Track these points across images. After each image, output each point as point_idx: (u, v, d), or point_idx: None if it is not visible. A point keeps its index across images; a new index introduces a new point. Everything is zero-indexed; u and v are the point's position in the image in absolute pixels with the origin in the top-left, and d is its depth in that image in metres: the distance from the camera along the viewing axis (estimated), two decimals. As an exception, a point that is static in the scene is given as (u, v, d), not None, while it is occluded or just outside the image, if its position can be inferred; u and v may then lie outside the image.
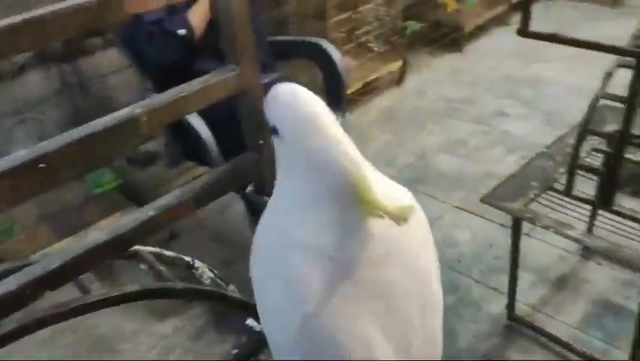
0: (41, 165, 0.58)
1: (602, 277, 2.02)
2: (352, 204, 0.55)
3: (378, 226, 0.56)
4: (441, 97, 3.34)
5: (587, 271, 2.06)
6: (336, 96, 2.12)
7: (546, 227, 1.51)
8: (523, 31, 1.38)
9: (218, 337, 1.94)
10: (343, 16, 3.02)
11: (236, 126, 1.84)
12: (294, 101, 0.58)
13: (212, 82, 0.70)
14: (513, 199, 1.62)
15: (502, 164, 2.62)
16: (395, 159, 2.80)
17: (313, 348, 0.58)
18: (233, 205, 2.31)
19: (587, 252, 2.11)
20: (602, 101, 1.60)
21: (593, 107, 1.53)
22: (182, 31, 1.78)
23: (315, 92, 0.61)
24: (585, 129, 1.54)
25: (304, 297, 0.56)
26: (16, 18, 0.56)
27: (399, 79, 3.44)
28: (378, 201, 0.53)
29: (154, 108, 0.65)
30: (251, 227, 1.82)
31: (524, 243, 1.78)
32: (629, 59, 1.51)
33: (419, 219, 0.62)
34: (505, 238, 1.90)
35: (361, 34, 3.20)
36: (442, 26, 3.79)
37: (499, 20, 4.09)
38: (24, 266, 0.65)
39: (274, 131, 0.61)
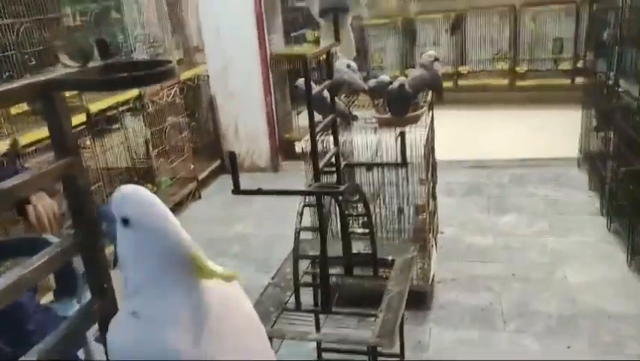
0: None
1: (339, 376, 2.45)
2: (192, 271, 0.78)
3: (213, 286, 0.81)
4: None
5: (327, 375, 2.47)
6: (71, 285, 2.16)
7: (292, 338, 1.86)
8: (237, 191, 1.80)
9: None
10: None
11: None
12: (145, 197, 0.80)
13: (47, 170, 0.82)
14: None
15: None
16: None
17: None
18: None
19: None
20: (301, 237, 2.11)
21: (297, 238, 2.02)
22: None
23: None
24: (296, 256, 2.01)
25: (177, 348, 0.75)
26: None
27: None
28: (212, 268, 0.78)
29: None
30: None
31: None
32: (309, 200, 2.09)
33: (235, 283, 0.88)
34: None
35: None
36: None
37: (193, 194, 4.65)
38: None
39: (125, 222, 0.79)
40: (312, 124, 1.84)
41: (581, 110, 4.35)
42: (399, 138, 2.09)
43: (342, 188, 1.76)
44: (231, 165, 1.77)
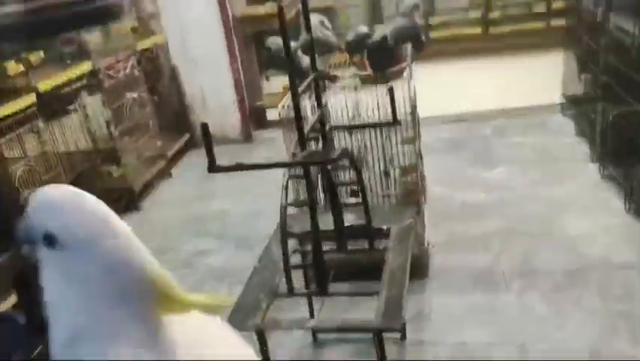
0: None
1: (339, 354, 2.28)
2: (156, 304, 0.54)
3: (184, 321, 0.56)
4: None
5: (325, 355, 2.30)
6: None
7: (288, 328, 1.66)
8: (213, 168, 1.57)
9: None
10: None
11: None
12: (76, 199, 0.55)
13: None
14: (251, 317, 1.73)
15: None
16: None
17: None
18: None
19: (317, 344, 2.35)
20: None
21: (283, 215, 1.80)
22: None
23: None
24: (285, 235, 1.79)
25: None
26: None
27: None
28: (186, 298, 0.54)
29: None
30: None
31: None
32: (294, 172, 1.86)
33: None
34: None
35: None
36: (113, 192, 3.83)
37: (163, 173, 4.36)
38: None
39: (49, 240, 0.54)
40: (294, 85, 1.59)
41: (562, 53, 4.17)
42: (388, 95, 1.87)
43: (334, 155, 1.54)
44: (205, 139, 1.52)
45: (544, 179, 3.39)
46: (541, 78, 4.82)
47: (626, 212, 2.87)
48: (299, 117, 1.60)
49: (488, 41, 6.09)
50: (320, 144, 2.00)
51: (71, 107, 3.70)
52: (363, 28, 2.65)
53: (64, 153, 3.66)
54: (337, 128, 2.20)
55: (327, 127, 1.89)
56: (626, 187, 2.89)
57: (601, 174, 3.26)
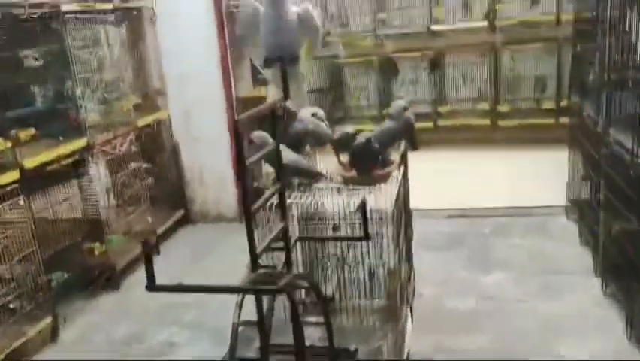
0: None
1: None
2: None
3: None
4: (106, 341, 3.17)
5: None
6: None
7: None
8: (152, 286, 1.44)
9: None
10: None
11: None
12: None
13: None
14: None
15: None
16: None
17: None
18: None
19: None
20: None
21: (234, 336, 1.65)
22: None
23: None
24: (232, 358, 1.63)
25: None
26: None
27: (52, 335, 3.14)
28: None
29: None
30: None
31: None
32: (252, 285, 1.72)
33: None
34: None
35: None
36: (94, 269, 3.71)
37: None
38: None
39: None
40: (246, 198, 1.49)
41: (567, 152, 4.06)
42: (359, 210, 1.76)
43: (281, 283, 1.41)
44: (145, 257, 1.41)
45: (542, 290, 3.19)
46: (547, 176, 4.69)
47: (628, 339, 2.64)
48: (250, 235, 1.49)
49: (496, 133, 6.04)
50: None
51: (61, 181, 3.66)
52: (350, 129, 2.58)
53: (49, 228, 3.59)
54: (303, 239, 2.08)
55: (292, 240, 1.77)
56: (629, 312, 2.68)
57: (603, 290, 3.06)
